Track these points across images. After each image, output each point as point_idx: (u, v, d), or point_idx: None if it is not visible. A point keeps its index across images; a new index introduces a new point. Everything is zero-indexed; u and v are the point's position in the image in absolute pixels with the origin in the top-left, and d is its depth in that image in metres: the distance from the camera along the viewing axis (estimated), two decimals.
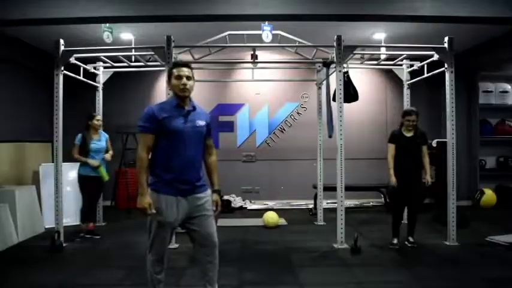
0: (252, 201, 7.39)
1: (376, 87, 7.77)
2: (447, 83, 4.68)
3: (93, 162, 4.89)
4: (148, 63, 5.76)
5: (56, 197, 4.61)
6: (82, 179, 4.93)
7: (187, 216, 2.56)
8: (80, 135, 4.96)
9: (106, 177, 5.05)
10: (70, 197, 5.84)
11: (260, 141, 7.71)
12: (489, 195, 7.03)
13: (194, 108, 2.62)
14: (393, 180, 4.36)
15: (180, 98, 2.56)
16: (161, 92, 6.86)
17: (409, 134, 4.44)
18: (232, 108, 7.66)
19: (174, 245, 4.41)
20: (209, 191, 2.68)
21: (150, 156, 2.54)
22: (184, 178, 2.51)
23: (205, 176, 2.71)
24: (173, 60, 4.66)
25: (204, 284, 2.71)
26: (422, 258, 4.11)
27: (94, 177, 4.92)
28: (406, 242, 4.48)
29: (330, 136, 5.17)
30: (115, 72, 5.96)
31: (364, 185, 6.77)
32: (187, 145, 2.51)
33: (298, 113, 7.71)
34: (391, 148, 4.44)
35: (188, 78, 2.56)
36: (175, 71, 2.58)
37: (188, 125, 2.53)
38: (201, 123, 2.60)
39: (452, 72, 4.65)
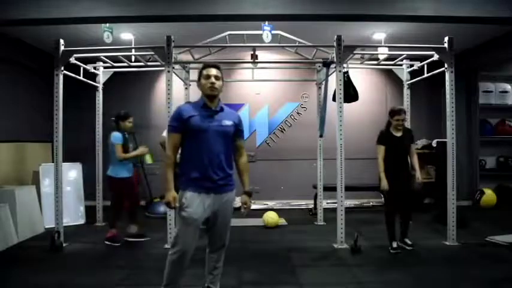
0: (252, 201, 7.37)
1: (376, 87, 7.77)
2: (447, 83, 4.68)
3: (142, 149, 4.76)
4: (148, 63, 5.75)
5: (56, 197, 4.61)
6: (120, 182, 4.63)
7: (210, 214, 2.61)
8: (119, 135, 4.64)
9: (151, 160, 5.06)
10: (70, 197, 5.85)
11: (260, 141, 7.70)
12: (489, 195, 7.03)
13: (222, 109, 2.67)
14: (385, 184, 4.24)
15: (208, 97, 2.63)
16: (161, 92, 6.85)
17: (398, 134, 4.36)
18: (232, 108, 7.62)
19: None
20: (233, 192, 2.72)
21: (179, 155, 2.65)
22: (208, 176, 2.56)
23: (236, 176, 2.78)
24: (173, 60, 4.67)
25: (207, 284, 2.77)
26: (422, 258, 4.11)
27: (129, 178, 4.71)
28: (403, 245, 4.38)
29: (321, 135, 5.18)
30: (115, 72, 5.96)
31: (364, 185, 6.77)
32: (212, 144, 2.56)
33: (298, 113, 7.71)
34: (382, 150, 4.34)
35: (217, 78, 2.63)
36: (204, 71, 2.65)
37: (214, 124, 2.59)
38: (228, 123, 2.64)
39: (452, 72, 4.64)
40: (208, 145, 2.55)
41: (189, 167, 2.58)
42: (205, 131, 2.55)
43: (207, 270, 2.80)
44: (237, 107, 7.65)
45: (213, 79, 2.60)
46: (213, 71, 2.63)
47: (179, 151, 2.65)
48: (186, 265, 2.63)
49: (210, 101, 2.63)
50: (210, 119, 2.59)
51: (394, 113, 4.34)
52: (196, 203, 2.54)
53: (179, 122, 2.57)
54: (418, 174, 4.38)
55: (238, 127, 2.71)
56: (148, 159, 4.90)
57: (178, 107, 2.66)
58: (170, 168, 2.59)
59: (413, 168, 4.40)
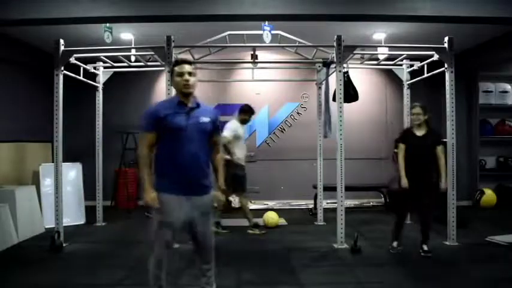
0: (252, 201, 7.38)
1: (376, 87, 7.77)
2: (447, 83, 4.68)
3: None
4: (148, 63, 5.75)
5: (56, 197, 4.61)
6: None
7: (189, 217, 2.54)
8: None
9: None
10: (70, 197, 5.84)
11: (260, 141, 7.70)
12: (489, 195, 7.03)
13: (198, 105, 2.60)
14: (405, 182, 4.03)
15: (183, 95, 2.56)
16: (161, 92, 6.84)
17: (420, 133, 4.13)
18: (232, 108, 7.63)
19: (174, 246, 4.40)
20: (211, 194, 2.65)
21: (153, 154, 2.56)
22: (187, 176, 2.49)
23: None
24: (173, 60, 4.67)
25: (202, 285, 2.74)
26: (422, 258, 4.10)
27: None
28: (420, 251, 4.15)
29: (326, 136, 5.16)
30: (115, 72, 5.95)
31: (364, 185, 6.77)
32: (190, 142, 2.49)
33: (298, 113, 7.71)
34: (401, 148, 4.16)
35: (190, 74, 2.56)
36: (177, 69, 2.57)
37: (191, 122, 2.51)
38: (205, 119, 2.57)
39: (452, 72, 4.65)
40: (187, 144, 2.47)
41: (165, 168, 2.50)
42: (184, 129, 2.47)
43: (200, 273, 2.74)
44: (237, 107, 7.62)
45: (186, 76, 2.52)
46: (186, 68, 2.55)
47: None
48: (166, 266, 2.57)
49: (185, 99, 2.55)
50: (187, 116, 2.51)
51: (410, 108, 4.25)
52: (173, 206, 2.47)
53: (154, 121, 2.48)
54: (443, 184, 4.12)
55: (215, 123, 2.64)
56: None
57: (151, 106, 2.61)
58: (147, 167, 2.50)
59: (438, 174, 4.12)
